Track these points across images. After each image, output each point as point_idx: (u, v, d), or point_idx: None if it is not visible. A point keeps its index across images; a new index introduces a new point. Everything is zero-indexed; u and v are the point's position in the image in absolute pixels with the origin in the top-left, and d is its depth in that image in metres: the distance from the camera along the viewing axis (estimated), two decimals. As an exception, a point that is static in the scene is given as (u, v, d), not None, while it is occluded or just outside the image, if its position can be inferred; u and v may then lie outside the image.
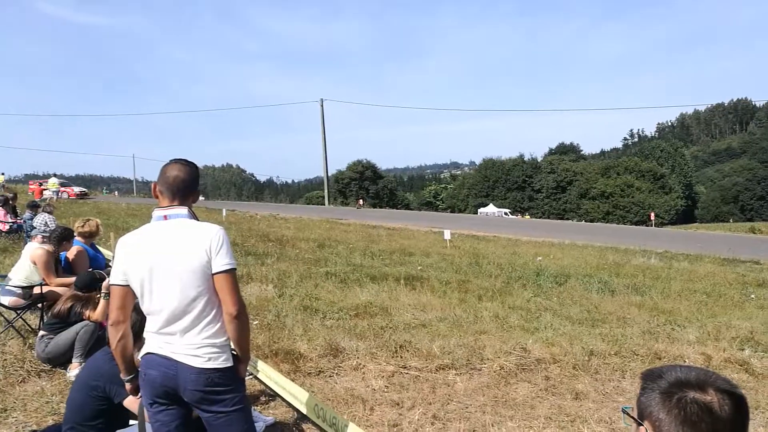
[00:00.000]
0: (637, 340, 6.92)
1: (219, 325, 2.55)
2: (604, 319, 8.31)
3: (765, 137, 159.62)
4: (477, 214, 65.37)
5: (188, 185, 2.63)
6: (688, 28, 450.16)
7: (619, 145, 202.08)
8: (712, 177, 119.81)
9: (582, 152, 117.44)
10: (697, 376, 1.23)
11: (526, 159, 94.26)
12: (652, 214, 55.26)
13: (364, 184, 78.74)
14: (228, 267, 2.49)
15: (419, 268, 12.74)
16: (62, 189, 41.20)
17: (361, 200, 56.39)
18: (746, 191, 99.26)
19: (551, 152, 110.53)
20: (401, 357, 5.85)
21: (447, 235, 18.58)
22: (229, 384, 2.54)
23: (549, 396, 5.16)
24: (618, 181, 79.30)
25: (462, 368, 5.68)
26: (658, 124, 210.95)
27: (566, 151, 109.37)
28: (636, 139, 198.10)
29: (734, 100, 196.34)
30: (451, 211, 79.55)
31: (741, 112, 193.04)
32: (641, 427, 1.27)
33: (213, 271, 2.47)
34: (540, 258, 15.50)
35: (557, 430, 4.47)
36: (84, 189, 46.72)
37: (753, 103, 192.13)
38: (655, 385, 1.25)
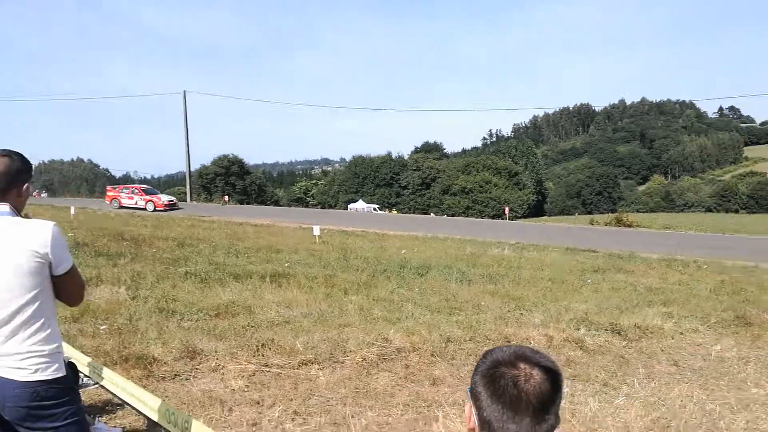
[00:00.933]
0: (490, 325, 7.39)
1: (49, 331, 2.32)
2: (461, 307, 8.77)
3: (602, 139, 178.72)
4: (347, 209, 66.03)
5: (6, 179, 2.36)
6: (541, 36, 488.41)
7: (479, 144, 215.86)
8: (559, 174, 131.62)
9: (445, 151, 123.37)
10: (513, 353, 1.32)
11: (393, 157, 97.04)
12: (507, 209, 59.27)
13: (231, 180, 76.15)
14: (66, 269, 2.31)
15: (286, 264, 12.60)
16: (146, 197, 32.19)
17: (226, 196, 54.44)
18: (587, 187, 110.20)
19: (417, 150, 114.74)
20: (263, 355, 5.75)
21: (316, 230, 18.57)
22: (59, 397, 2.32)
23: (408, 383, 5.34)
24: (477, 178, 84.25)
25: (325, 362, 5.71)
26: (514, 125, 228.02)
27: (430, 149, 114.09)
28: (494, 139, 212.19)
29: (578, 104, 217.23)
30: (322, 207, 79.64)
31: (583, 116, 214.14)
32: (468, 403, 1.35)
33: (54, 274, 2.28)
34: (404, 251, 16.01)
35: (415, 416, 4.65)
36: (172, 198, 35.26)
37: (593, 107, 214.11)
38: (479, 366, 1.34)
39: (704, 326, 7.91)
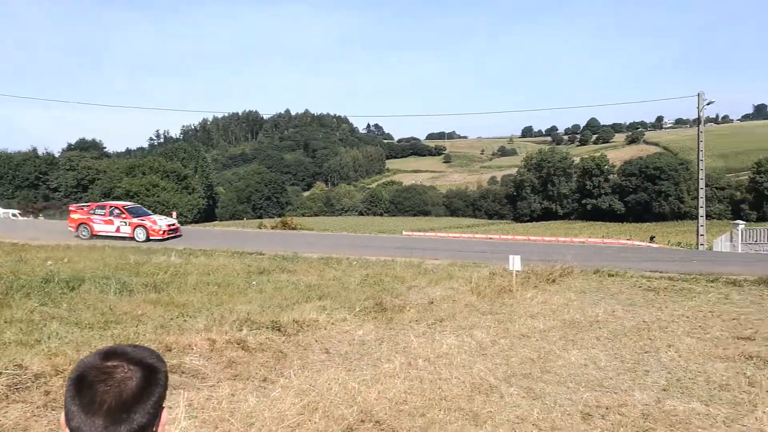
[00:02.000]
0: (150, 336, 7.02)
1: None
2: (118, 320, 8.12)
3: (270, 146, 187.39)
4: (-25, 216, 54.38)
5: None
6: (210, 39, 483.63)
7: (146, 144, 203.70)
8: (230, 179, 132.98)
9: (106, 150, 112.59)
10: (103, 352, 1.25)
11: (40, 154, 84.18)
12: (174, 213, 57.13)
13: None
14: None
15: None
16: (134, 220, 22.18)
17: None
18: (257, 192, 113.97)
19: (71, 148, 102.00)
20: None
21: (-77, 242, 14.80)
22: None
23: (48, 412, 4.71)
24: (143, 181, 79.08)
25: (-71, 405, 4.60)
26: (183, 126, 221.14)
27: (88, 147, 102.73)
28: (162, 140, 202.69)
29: (247, 111, 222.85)
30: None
31: (252, 123, 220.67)
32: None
33: None
34: (51, 263, 14.02)
35: (55, 447, 4.12)
36: (174, 221, 24.29)
37: (261, 115, 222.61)
38: (71, 374, 1.25)
39: (351, 315, 8.99)
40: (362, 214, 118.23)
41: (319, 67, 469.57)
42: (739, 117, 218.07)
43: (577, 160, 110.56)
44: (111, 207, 23.25)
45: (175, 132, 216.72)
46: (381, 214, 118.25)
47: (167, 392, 1.31)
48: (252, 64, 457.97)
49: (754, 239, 29.37)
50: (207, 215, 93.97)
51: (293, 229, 36.48)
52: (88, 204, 25.37)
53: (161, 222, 23.16)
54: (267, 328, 7.71)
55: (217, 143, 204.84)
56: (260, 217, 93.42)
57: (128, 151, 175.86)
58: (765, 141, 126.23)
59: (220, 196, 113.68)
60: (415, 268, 15.35)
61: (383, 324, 8.67)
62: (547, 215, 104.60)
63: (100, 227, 22.37)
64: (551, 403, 5.40)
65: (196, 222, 77.06)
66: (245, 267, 15.03)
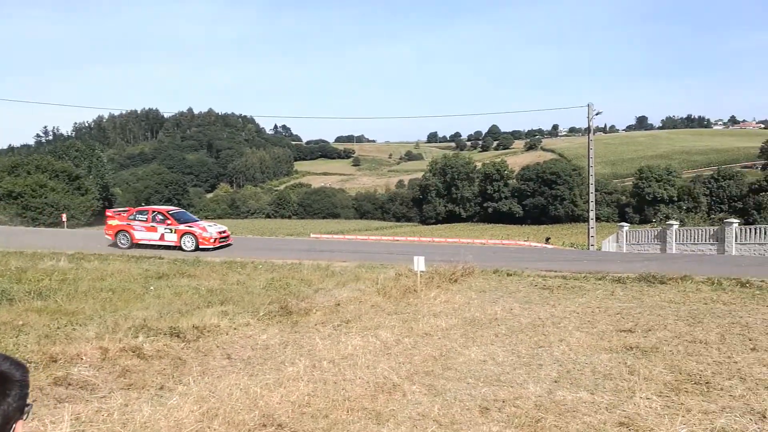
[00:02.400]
0: (33, 346, 6.53)
1: None
2: (-5, 331, 7.46)
3: (172, 145, 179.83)
4: None
5: None
6: (104, 33, 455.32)
7: (32, 141, 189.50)
8: (128, 179, 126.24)
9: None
10: None
11: None
12: (64, 215, 53.43)
13: None
14: None
15: None
16: (181, 227, 20.06)
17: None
18: (156, 194, 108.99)
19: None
20: None
21: None
22: None
23: None
24: (28, 181, 73.28)
25: None
26: (76, 123, 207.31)
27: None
28: (51, 137, 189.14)
29: (146, 109, 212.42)
30: None
31: (152, 121, 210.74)
32: None
33: None
34: None
35: None
36: (224, 227, 21.97)
37: (162, 114, 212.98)
38: None
39: (255, 319, 8.81)
40: (270, 217, 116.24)
41: (222, 64, 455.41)
42: (624, 127, 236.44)
43: (479, 165, 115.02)
44: (154, 212, 20.98)
45: (67, 129, 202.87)
46: (289, 217, 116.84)
47: (26, 403, 1.24)
48: (150, 59, 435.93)
49: (637, 240, 31.90)
50: (103, 218, 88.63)
51: (196, 232, 35.17)
52: (127, 209, 23.09)
53: (211, 229, 21.04)
54: (165, 334, 7.39)
55: (113, 142, 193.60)
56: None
57: (11, 149, 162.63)
58: (646, 150, 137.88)
59: (117, 197, 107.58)
60: (322, 271, 15.29)
61: (288, 327, 8.56)
62: (451, 218, 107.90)
63: (141, 235, 20.31)
64: (452, 399, 5.56)
65: (90, 225, 72.46)
66: (143, 272, 14.33)
